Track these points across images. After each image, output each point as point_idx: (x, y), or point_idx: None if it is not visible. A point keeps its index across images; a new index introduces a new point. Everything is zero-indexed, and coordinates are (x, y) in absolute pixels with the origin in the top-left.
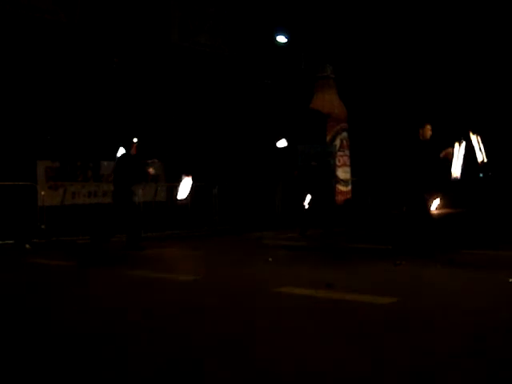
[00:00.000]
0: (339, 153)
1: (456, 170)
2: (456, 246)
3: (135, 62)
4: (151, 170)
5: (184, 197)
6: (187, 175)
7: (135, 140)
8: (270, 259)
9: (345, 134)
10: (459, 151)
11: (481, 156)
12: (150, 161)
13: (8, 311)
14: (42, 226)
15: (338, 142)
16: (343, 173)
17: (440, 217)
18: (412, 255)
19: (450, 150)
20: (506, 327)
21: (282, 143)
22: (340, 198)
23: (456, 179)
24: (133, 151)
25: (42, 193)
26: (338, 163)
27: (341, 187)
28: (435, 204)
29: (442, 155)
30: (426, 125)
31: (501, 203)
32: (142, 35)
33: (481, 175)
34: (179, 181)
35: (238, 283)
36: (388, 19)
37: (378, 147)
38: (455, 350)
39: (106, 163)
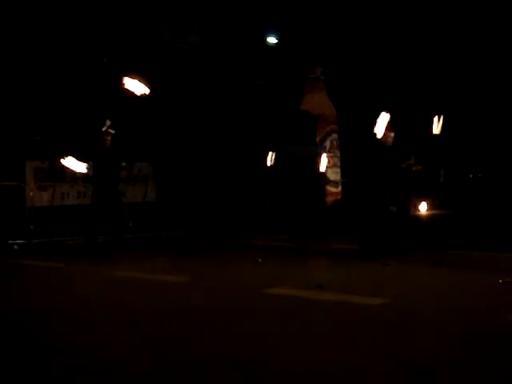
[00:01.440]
0: (329, 154)
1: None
2: (445, 246)
3: (124, 61)
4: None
5: None
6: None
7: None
8: (260, 260)
9: (335, 136)
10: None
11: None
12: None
13: None
14: (31, 227)
15: (328, 144)
16: (333, 174)
17: (429, 218)
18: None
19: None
20: (500, 327)
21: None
22: (330, 199)
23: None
24: (106, 145)
25: (31, 193)
26: (328, 164)
27: (331, 188)
28: (423, 206)
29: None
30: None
31: (489, 204)
32: (130, 35)
33: (470, 176)
34: None
35: (226, 284)
36: (377, 21)
37: (365, 148)
38: (453, 350)
39: None
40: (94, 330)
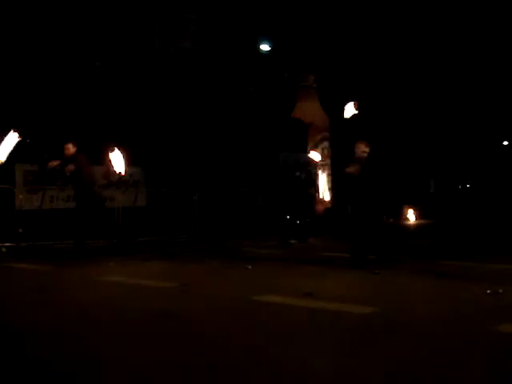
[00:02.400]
0: (320, 162)
1: None
2: (434, 256)
3: (118, 66)
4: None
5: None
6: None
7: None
8: (250, 267)
9: (326, 144)
10: None
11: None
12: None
13: None
14: (20, 230)
15: (319, 152)
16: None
17: (416, 227)
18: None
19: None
20: (489, 337)
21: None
22: (320, 208)
23: None
24: (67, 153)
25: (20, 196)
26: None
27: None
28: (411, 215)
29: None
30: (358, 143)
31: (477, 214)
32: (124, 40)
33: (459, 187)
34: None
35: (215, 291)
36: (370, 29)
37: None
38: (442, 360)
39: None
40: (79, 333)
